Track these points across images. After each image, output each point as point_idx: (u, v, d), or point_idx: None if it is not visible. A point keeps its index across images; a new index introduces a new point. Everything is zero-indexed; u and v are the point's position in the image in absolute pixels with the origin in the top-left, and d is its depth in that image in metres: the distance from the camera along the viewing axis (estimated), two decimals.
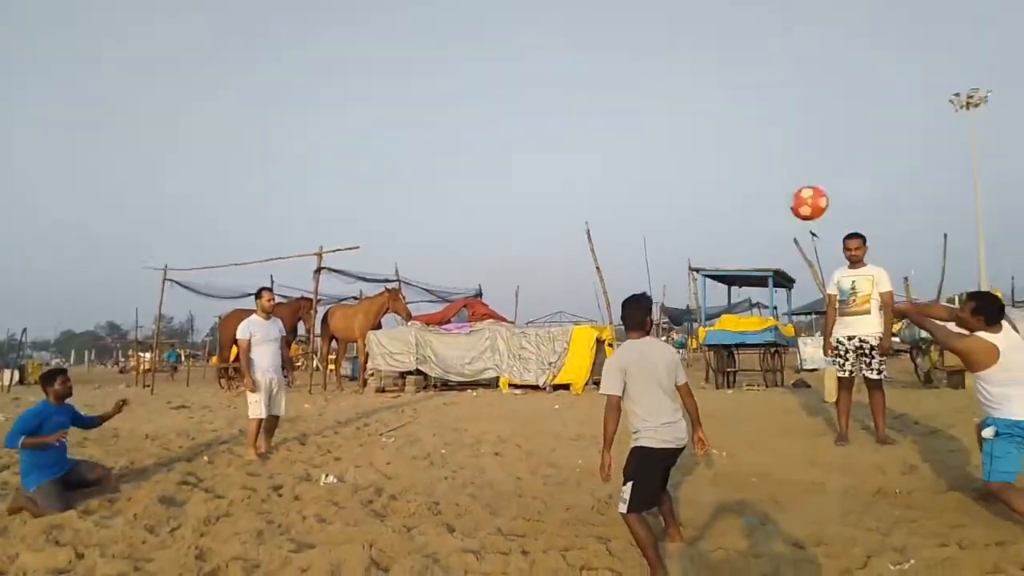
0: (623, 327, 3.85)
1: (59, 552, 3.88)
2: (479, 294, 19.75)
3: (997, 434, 4.03)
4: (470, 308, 16.63)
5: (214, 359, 22.49)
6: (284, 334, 7.37)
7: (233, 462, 6.56)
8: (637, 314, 3.68)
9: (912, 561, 3.34)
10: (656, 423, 3.44)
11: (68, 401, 5.54)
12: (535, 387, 13.36)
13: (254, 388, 6.80)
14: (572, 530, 4.16)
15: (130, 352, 41.20)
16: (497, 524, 4.30)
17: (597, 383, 13.18)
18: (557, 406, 10.44)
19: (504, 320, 16.05)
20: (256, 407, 6.83)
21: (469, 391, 13.65)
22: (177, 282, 17.95)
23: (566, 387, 13.05)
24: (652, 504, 3.55)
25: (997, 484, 3.97)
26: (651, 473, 3.48)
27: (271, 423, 7.09)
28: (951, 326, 4.42)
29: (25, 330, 25.66)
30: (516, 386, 13.54)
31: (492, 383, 14.11)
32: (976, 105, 26.36)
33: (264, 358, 6.94)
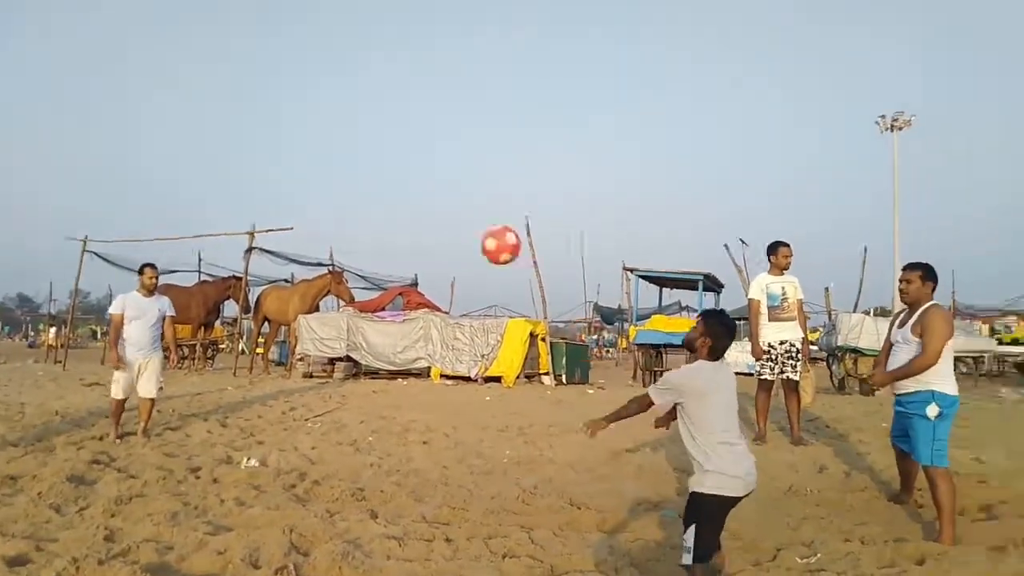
0: (707, 348, 3.01)
1: None
2: (415, 283, 19.59)
3: (940, 414, 3.98)
4: (405, 296, 16.46)
5: None
6: (170, 313, 6.96)
7: (149, 443, 6.32)
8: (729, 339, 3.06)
9: (818, 555, 3.50)
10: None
11: None
12: (467, 378, 13.35)
13: (118, 366, 6.57)
14: (496, 519, 4.20)
15: (41, 326, 39.21)
16: (421, 511, 4.29)
17: (529, 376, 13.34)
18: (488, 398, 10.47)
19: (439, 310, 15.97)
20: (115, 387, 6.61)
21: (400, 380, 13.54)
22: (98, 254, 17.13)
23: (498, 379, 13.09)
24: (716, 546, 2.95)
25: (942, 469, 3.92)
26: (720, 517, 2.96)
27: (144, 405, 6.73)
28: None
29: None
30: (448, 377, 13.51)
31: (423, 373, 14.04)
32: (900, 128, 27.72)
33: (138, 336, 6.66)
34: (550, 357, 13.56)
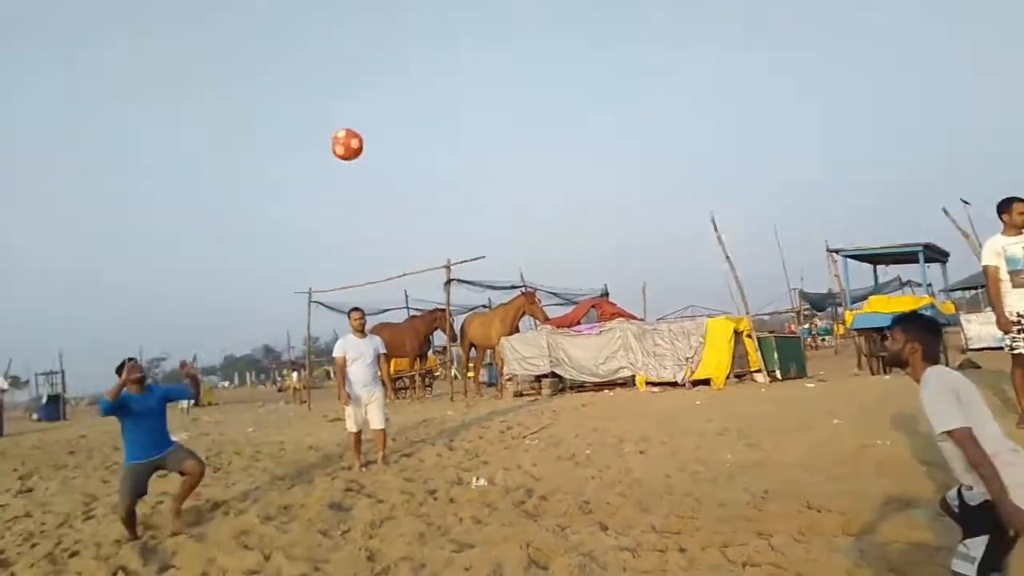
0: (919, 354, 2.74)
1: (248, 555, 4.28)
2: (606, 293, 19.64)
3: None
4: (598, 308, 16.55)
5: None
6: (382, 351, 7.57)
7: (389, 469, 6.93)
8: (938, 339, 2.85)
9: None
10: None
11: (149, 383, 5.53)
12: (673, 384, 13.09)
13: (348, 402, 7.20)
14: (729, 526, 4.07)
15: (284, 372, 44.50)
16: (650, 521, 4.29)
17: (739, 376, 12.80)
18: (699, 402, 10.20)
19: (634, 318, 15.86)
20: (349, 421, 7.28)
21: (605, 391, 13.61)
22: (322, 303, 19.15)
23: (706, 382, 12.70)
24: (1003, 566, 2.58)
25: None
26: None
27: (377, 436, 7.36)
28: None
29: (195, 356, 28.73)
30: (653, 384, 13.33)
31: (628, 382, 13.98)
32: None
33: (360, 375, 7.28)
34: (759, 353, 12.90)
